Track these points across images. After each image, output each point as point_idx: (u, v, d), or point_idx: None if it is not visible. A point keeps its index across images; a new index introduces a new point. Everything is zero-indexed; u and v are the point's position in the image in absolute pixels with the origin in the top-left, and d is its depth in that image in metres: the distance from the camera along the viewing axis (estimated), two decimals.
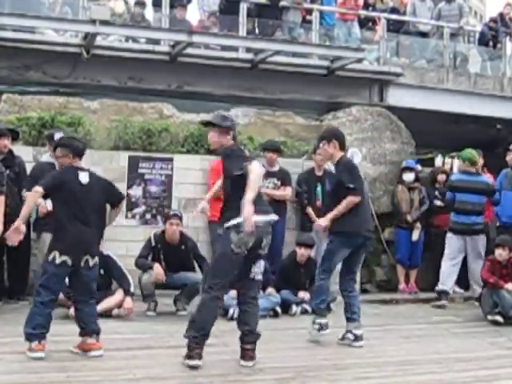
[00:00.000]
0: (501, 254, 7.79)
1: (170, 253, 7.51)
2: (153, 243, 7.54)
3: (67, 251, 5.43)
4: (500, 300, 7.63)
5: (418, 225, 9.59)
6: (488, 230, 9.36)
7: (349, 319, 6.34)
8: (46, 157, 7.95)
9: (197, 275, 7.60)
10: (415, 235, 9.57)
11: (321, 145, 6.49)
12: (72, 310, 6.72)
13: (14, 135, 8.07)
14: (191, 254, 7.60)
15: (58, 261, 5.44)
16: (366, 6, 12.79)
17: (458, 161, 9.91)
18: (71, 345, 5.58)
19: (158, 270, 7.38)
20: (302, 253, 7.96)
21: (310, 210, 8.82)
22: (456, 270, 8.88)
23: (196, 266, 7.69)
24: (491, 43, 13.38)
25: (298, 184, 9.00)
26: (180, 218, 7.55)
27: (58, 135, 7.81)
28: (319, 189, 8.82)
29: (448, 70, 12.72)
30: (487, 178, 9.47)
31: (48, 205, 7.35)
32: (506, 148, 9.33)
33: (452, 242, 8.82)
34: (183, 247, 7.56)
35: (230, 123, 5.65)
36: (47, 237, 7.71)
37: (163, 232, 7.57)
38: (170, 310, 7.70)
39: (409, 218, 9.52)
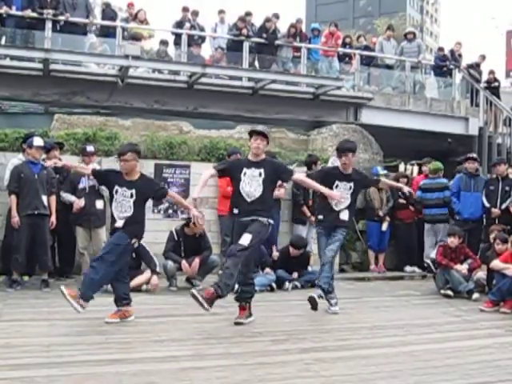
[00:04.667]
0: (453, 241, 7.75)
1: (188, 242, 7.52)
2: (175, 237, 7.54)
3: None
4: (450, 278, 7.59)
5: (387, 218, 9.57)
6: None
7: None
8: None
9: (212, 257, 7.66)
10: (385, 226, 9.52)
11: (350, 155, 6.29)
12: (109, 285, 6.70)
13: (61, 146, 8.14)
14: (202, 242, 7.62)
15: None
16: (344, 45, 12.81)
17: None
18: (108, 313, 5.56)
19: (186, 269, 7.41)
20: (295, 253, 7.85)
21: (304, 208, 8.88)
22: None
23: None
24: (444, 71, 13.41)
25: (294, 187, 8.96)
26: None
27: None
28: (311, 190, 8.82)
29: (409, 95, 12.73)
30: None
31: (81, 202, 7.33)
32: (469, 157, 9.12)
33: (428, 231, 9.01)
34: (197, 236, 7.57)
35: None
36: (79, 230, 7.67)
37: (182, 227, 7.56)
38: (188, 286, 7.69)
39: (380, 212, 9.49)
